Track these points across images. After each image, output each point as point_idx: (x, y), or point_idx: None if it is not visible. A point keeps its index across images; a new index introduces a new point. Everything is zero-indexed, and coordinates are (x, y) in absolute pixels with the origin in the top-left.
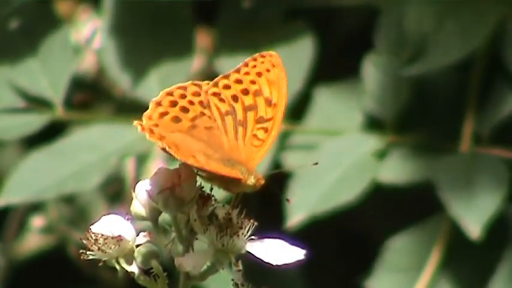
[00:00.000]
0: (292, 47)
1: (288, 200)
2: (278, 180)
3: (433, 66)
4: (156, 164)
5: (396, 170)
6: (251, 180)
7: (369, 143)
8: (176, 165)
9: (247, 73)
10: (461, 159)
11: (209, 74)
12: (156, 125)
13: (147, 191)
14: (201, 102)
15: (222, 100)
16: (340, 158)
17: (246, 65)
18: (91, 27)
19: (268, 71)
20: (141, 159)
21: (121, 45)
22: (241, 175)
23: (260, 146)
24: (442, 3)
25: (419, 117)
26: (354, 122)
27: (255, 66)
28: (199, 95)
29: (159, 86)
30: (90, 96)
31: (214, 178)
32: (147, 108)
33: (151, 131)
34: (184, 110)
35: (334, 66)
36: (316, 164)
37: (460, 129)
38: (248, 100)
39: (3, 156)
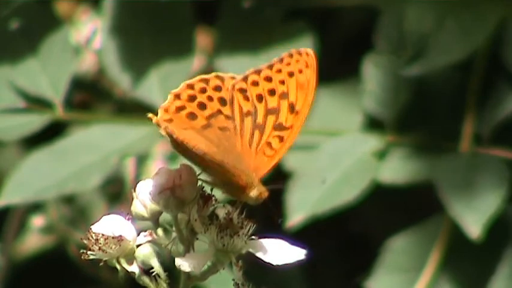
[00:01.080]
0: (292, 47)
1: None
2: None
3: (433, 67)
4: (156, 164)
5: (396, 170)
6: (254, 193)
7: (368, 143)
8: (176, 166)
9: (279, 70)
10: (461, 159)
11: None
12: (171, 120)
13: (148, 191)
14: (220, 99)
15: (246, 98)
16: (340, 158)
17: (281, 60)
18: (91, 28)
19: (300, 71)
20: (141, 160)
21: (121, 45)
22: (245, 185)
23: (271, 157)
24: (442, 3)
25: (419, 117)
26: (354, 122)
27: (289, 64)
28: (220, 90)
29: (159, 86)
30: (90, 96)
31: (218, 184)
32: (147, 108)
33: (165, 126)
34: (202, 106)
35: (334, 66)
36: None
37: (460, 129)
38: (272, 102)
39: (3, 156)
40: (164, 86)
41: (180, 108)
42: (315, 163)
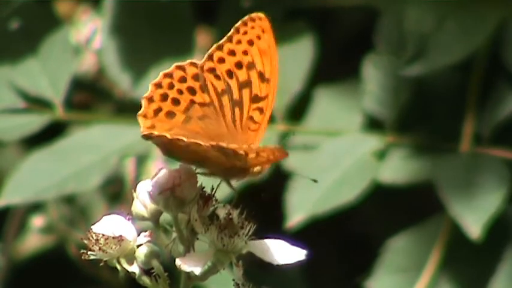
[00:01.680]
0: (292, 47)
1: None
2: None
3: (433, 67)
4: (156, 164)
5: (396, 170)
6: (256, 168)
7: (368, 143)
8: (176, 166)
9: (239, 41)
10: (461, 159)
11: None
12: (153, 126)
13: (148, 191)
14: (188, 89)
15: (217, 77)
16: (340, 158)
17: (237, 31)
18: (91, 28)
19: (259, 38)
20: (141, 160)
21: (121, 45)
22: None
23: (256, 130)
24: (442, 4)
25: (419, 117)
26: (354, 122)
27: (246, 32)
28: (185, 80)
29: None
30: (90, 96)
31: (219, 174)
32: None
33: (149, 135)
34: (175, 102)
35: (334, 67)
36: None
37: (460, 129)
38: (242, 75)
39: (3, 156)
40: None
41: (157, 111)
42: (315, 163)
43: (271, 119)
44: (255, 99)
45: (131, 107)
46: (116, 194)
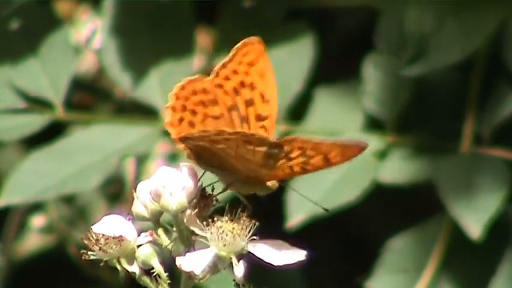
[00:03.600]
0: (292, 47)
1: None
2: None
3: (433, 67)
4: (156, 165)
5: (396, 170)
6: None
7: (369, 143)
8: (177, 166)
9: (240, 62)
10: (461, 159)
11: (209, 74)
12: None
13: (148, 191)
14: (201, 102)
15: (226, 93)
16: None
17: (237, 52)
18: (91, 28)
19: (257, 60)
20: (141, 160)
21: (121, 45)
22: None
23: None
24: (442, 4)
25: (419, 117)
26: (354, 122)
27: (245, 54)
28: (196, 93)
29: (159, 86)
30: (90, 96)
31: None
32: (147, 108)
33: (188, 136)
34: (193, 113)
35: (335, 67)
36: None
37: (460, 129)
38: (247, 94)
39: (3, 156)
40: (164, 86)
41: (180, 120)
42: None
43: None
44: (259, 117)
45: (131, 107)
46: (116, 194)
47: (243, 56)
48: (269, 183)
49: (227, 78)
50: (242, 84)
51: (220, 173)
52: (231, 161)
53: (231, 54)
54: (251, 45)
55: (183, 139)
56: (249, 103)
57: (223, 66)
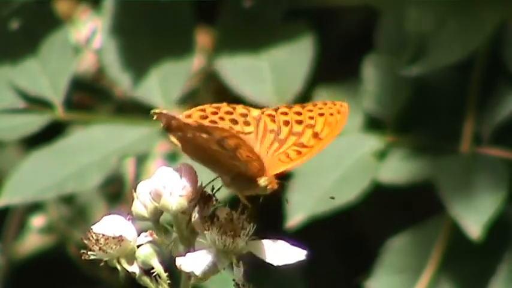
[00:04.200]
0: (292, 47)
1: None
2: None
3: (433, 67)
4: (156, 164)
5: (396, 170)
6: (264, 181)
7: (369, 143)
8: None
9: (310, 110)
10: (461, 159)
11: (209, 74)
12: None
13: (148, 191)
14: (232, 120)
15: (273, 121)
16: (340, 158)
17: (314, 105)
18: (91, 27)
19: (331, 114)
20: (141, 160)
21: (121, 45)
22: (257, 172)
23: (285, 163)
24: (442, 3)
25: (419, 117)
26: (354, 122)
27: (321, 108)
28: (232, 114)
29: (159, 86)
30: (90, 96)
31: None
32: (147, 108)
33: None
34: (213, 123)
35: (335, 67)
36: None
37: (460, 129)
38: (298, 128)
39: (3, 156)
40: (164, 86)
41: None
42: (315, 163)
43: None
44: (299, 145)
45: (131, 107)
46: (116, 194)
47: (318, 109)
48: (261, 182)
49: (284, 114)
50: (299, 122)
51: (215, 171)
52: (216, 156)
53: (304, 104)
54: (332, 105)
55: (170, 127)
56: (295, 133)
57: (287, 106)
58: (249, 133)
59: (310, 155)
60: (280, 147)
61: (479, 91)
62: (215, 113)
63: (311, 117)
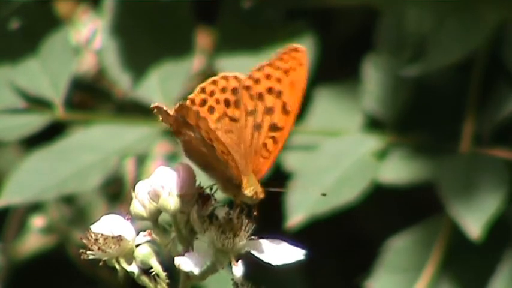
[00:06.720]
0: None
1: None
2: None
3: (433, 67)
4: (156, 164)
5: (396, 171)
6: (249, 191)
7: (369, 143)
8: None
9: (278, 68)
10: (461, 159)
11: (209, 74)
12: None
13: (147, 191)
14: (225, 100)
15: (250, 97)
16: (340, 158)
17: (280, 58)
18: (91, 28)
19: (294, 69)
20: (141, 160)
21: (121, 45)
22: (241, 182)
23: (267, 158)
24: (442, 4)
25: (419, 118)
26: (354, 122)
27: (286, 61)
28: (225, 91)
29: (159, 86)
30: (90, 96)
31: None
32: (147, 108)
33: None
34: (211, 110)
35: (335, 67)
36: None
37: (460, 129)
38: (269, 101)
39: (3, 156)
40: (164, 86)
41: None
42: (315, 163)
43: None
44: (273, 127)
45: (131, 107)
46: (116, 194)
47: (282, 62)
48: (247, 192)
49: (258, 82)
50: (270, 90)
51: (212, 177)
52: (209, 160)
53: (271, 57)
54: (294, 53)
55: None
56: (269, 111)
57: (260, 69)
58: (237, 120)
59: (284, 139)
60: (259, 137)
61: (479, 91)
62: (212, 93)
63: (278, 80)
